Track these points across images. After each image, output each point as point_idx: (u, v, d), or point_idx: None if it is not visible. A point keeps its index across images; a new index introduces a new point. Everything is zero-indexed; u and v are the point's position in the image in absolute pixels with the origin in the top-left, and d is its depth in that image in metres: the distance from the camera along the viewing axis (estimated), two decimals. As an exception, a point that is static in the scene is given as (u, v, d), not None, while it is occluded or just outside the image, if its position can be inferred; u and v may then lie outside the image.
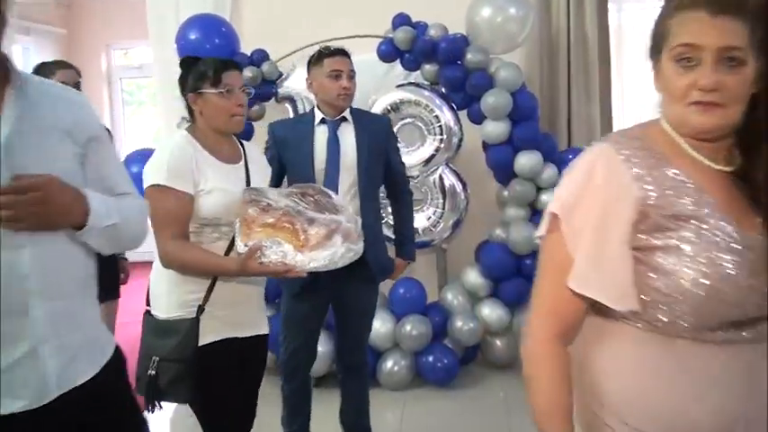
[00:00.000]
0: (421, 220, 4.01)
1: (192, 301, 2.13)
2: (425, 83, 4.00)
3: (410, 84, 3.99)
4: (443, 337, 3.97)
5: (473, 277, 3.99)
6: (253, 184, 2.23)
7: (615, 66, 4.48)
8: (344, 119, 2.86)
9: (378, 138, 2.91)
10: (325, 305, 2.90)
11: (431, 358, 3.87)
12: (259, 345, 2.34)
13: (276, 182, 2.79)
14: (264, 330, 2.36)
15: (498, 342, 4.07)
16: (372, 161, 2.86)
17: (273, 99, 4.06)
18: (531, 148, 3.82)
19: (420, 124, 3.91)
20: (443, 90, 3.97)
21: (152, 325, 2.19)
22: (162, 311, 2.18)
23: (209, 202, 2.10)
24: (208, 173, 2.12)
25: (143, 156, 4.11)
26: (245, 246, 2.00)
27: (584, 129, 4.40)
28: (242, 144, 2.34)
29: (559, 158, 3.94)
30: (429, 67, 3.89)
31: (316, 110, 2.87)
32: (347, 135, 2.84)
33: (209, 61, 2.23)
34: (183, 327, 2.11)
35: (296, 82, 3.98)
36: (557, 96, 4.40)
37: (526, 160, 3.80)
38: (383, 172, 2.94)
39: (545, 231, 1.30)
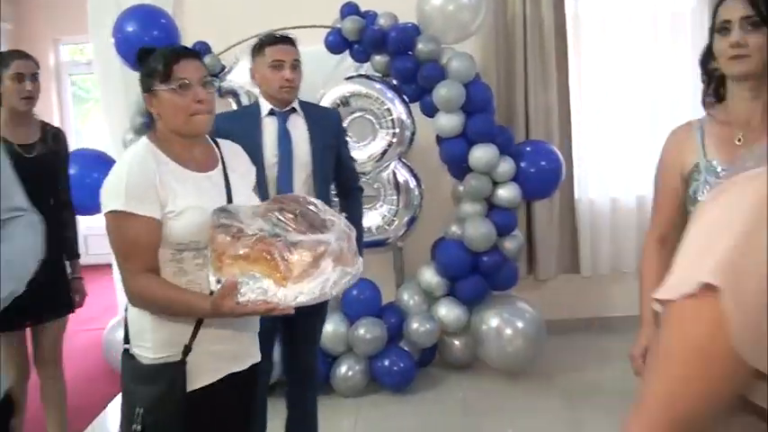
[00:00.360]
0: (374, 218, 3.85)
1: (180, 338, 1.82)
2: (376, 75, 3.84)
3: (360, 76, 3.82)
4: (399, 339, 3.82)
5: (429, 276, 3.84)
6: (234, 192, 1.90)
7: (573, 55, 4.35)
8: (294, 110, 2.69)
9: (329, 131, 2.75)
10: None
11: (386, 362, 3.71)
12: (255, 373, 2.05)
13: None
14: (258, 357, 2.05)
15: (456, 342, 3.94)
16: (326, 156, 2.70)
17: (216, 93, 3.87)
18: (486, 141, 3.67)
19: (371, 118, 3.75)
20: (395, 82, 3.81)
21: (133, 369, 1.85)
22: (145, 352, 1.84)
23: (181, 224, 1.77)
24: (177, 189, 1.78)
25: (83, 156, 3.91)
26: (218, 282, 1.67)
27: (542, 120, 4.28)
28: (218, 145, 1.98)
29: (516, 151, 3.80)
30: (379, 58, 3.73)
31: (261, 101, 2.68)
32: (298, 128, 2.67)
33: (159, 53, 1.86)
34: (169, 371, 1.80)
35: (239, 75, 3.79)
36: (513, 87, 4.27)
37: (481, 154, 3.65)
38: (334, 168, 2.79)
39: (677, 297, 0.82)
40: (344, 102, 3.72)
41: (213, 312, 1.69)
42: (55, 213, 2.94)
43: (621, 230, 4.38)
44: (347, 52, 3.80)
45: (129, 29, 3.79)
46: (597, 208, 4.42)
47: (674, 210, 1.89)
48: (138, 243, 1.75)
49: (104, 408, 3.92)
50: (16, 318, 2.76)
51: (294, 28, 3.48)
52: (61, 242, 2.98)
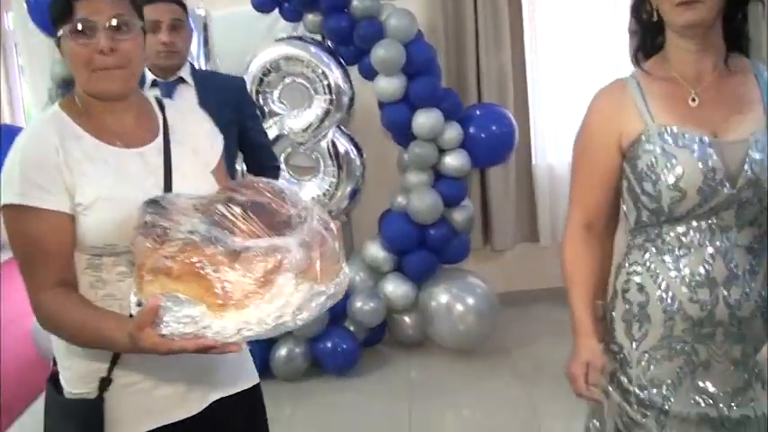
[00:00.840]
0: (313, 191, 3.60)
1: (98, 369, 1.39)
2: (312, 36, 3.55)
3: (292, 38, 3.53)
4: (343, 319, 3.59)
5: (374, 251, 3.61)
6: (175, 174, 1.41)
7: (527, 10, 4.07)
8: (182, 80, 2.41)
9: (229, 102, 2.46)
10: None
11: (328, 344, 3.48)
12: (246, 408, 1.55)
13: None
14: (250, 381, 1.56)
15: (406, 320, 3.71)
16: (224, 133, 2.43)
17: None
18: (431, 105, 3.40)
19: (305, 83, 3.47)
20: (330, 44, 3.53)
21: (53, 400, 1.45)
22: (64, 381, 1.44)
23: (91, 221, 1.33)
24: (89, 172, 1.34)
25: (8, 132, 3.61)
26: (139, 305, 1.21)
27: (495, 81, 4.00)
28: (162, 107, 1.50)
29: (464, 116, 3.54)
30: (311, 17, 3.44)
31: (146, 70, 2.40)
32: (187, 100, 2.38)
33: None
34: (83, 411, 1.39)
35: (161, 40, 3.50)
36: (463, 46, 3.98)
37: (425, 119, 3.39)
38: (239, 145, 2.52)
39: None
40: (275, 67, 3.43)
41: (132, 346, 1.23)
42: None
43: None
44: (277, 12, 3.51)
45: (42, -9, 3.48)
46: (556, 173, 4.17)
47: (605, 191, 1.56)
48: (44, 246, 1.32)
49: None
50: None
51: (219, -14, 3.21)
52: None
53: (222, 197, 1.26)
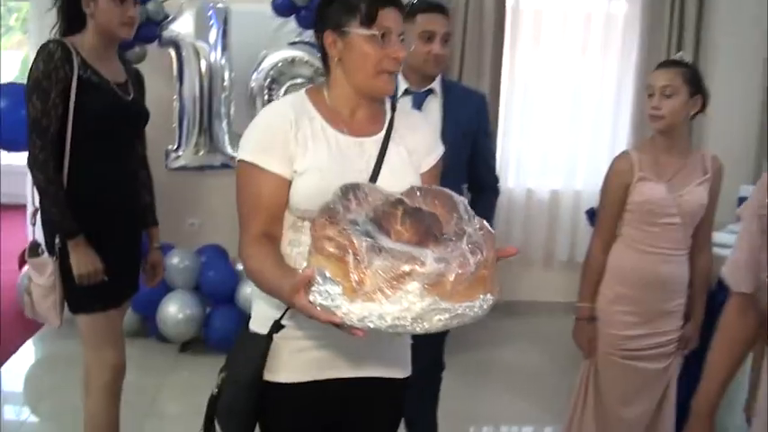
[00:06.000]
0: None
1: (272, 316, 1.57)
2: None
3: (304, 42, 3.83)
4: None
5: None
6: (384, 169, 1.56)
7: (507, 48, 4.52)
8: (432, 91, 2.42)
9: (469, 115, 2.45)
10: None
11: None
12: (385, 396, 1.69)
13: None
14: (401, 372, 1.69)
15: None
16: (458, 144, 2.31)
17: (156, 42, 3.77)
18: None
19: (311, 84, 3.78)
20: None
21: (241, 333, 1.67)
22: (252, 321, 1.65)
23: (300, 186, 1.52)
24: (310, 146, 1.53)
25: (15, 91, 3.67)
26: (301, 270, 1.37)
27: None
28: (394, 109, 1.64)
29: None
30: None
31: (399, 77, 2.30)
32: (432, 111, 2.39)
33: None
34: (253, 345, 1.59)
35: (182, 26, 3.73)
36: (448, 73, 4.38)
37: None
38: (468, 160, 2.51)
39: None
40: (286, 67, 3.73)
41: (289, 301, 1.37)
42: None
43: (534, 220, 4.64)
44: (292, 17, 3.80)
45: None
46: (515, 197, 4.64)
47: None
48: (261, 201, 1.53)
49: (14, 352, 3.81)
50: None
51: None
52: None
53: (396, 198, 1.37)
